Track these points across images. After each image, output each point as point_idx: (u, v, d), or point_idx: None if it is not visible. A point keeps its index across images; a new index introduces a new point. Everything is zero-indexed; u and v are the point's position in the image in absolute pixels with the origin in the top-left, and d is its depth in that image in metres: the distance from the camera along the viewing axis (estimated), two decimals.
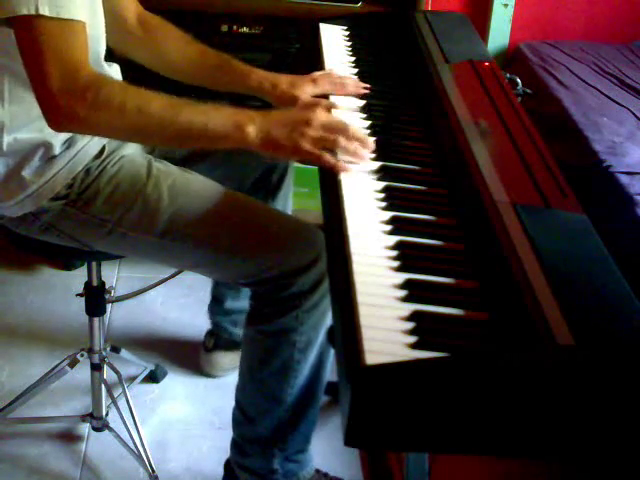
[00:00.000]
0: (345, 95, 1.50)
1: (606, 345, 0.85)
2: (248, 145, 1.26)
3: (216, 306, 1.96)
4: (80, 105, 1.20)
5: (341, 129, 1.26)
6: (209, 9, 2.15)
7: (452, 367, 0.83)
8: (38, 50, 1.19)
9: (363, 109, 1.47)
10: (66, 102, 1.20)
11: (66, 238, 1.45)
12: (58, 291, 2.29)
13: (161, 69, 1.55)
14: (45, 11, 1.18)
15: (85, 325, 1.75)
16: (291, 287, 1.38)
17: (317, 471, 1.64)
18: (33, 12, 1.18)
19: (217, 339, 1.99)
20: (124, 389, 1.80)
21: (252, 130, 1.25)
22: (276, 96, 1.49)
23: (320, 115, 1.27)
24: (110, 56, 1.48)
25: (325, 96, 1.49)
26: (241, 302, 1.89)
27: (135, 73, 1.49)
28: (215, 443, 1.84)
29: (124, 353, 1.89)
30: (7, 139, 1.37)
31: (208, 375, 2.03)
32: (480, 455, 0.91)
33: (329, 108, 1.38)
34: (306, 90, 1.48)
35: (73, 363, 1.81)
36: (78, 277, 2.20)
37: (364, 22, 1.93)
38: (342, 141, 1.25)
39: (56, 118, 1.23)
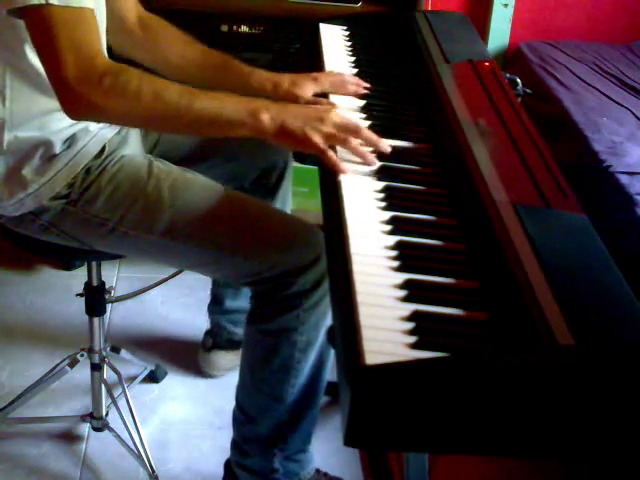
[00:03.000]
0: (346, 94, 1.50)
1: (606, 345, 0.85)
2: (262, 133, 1.26)
3: (216, 305, 1.96)
4: (97, 92, 1.20)
5: (353, 131, 1.27)
6: (209, 9, 2.15)
7: (452, 367, 0.83)
8: (51, 40, 1.20)
9: (363, 109, 1.47)
10: (83, 90, 1.20)
11: (66, 238, 1.45)
12: (58, 291, 2.29)
13: (161, 70, 1.55)
14: (54, 0, 1.18)
15: (85, 325, 1.75)
16: (292, 286, 1.38)
17: (317, 471, 1.64)
18: (43, 1, 1.18)
19: (216, 339, 1.99)
20: (124, 389, 1.80)
21: (267, 118, 1.25)
22: (278, 96, 1.49)
23: (335, 115, 1.28)
24: (109, 56, 1.48)
25: (325, 95, 1.49)
26: (241, 301, 1.90)
27: None
28: (215, 443, 1.84)
29: (124, 353, 1.89)
30: (8, 137, 1.37)
31: (207, 375, 2.03)
32: (480, 455, 0.91)
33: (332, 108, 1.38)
34: (307, 89, 1.48)
35: (73, 363, 1.81)
36: (78, 277, 2.20)
37: (364, 22, 1.93)
38: (352, 141, 1.25)
39: (73, 106, 1.24)
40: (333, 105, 1.42)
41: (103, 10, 1.38)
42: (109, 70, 1.22)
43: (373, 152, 1.28)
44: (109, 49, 1.45)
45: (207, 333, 2.02)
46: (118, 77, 1.22)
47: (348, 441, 0.85)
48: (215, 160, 1.63)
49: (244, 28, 2.18)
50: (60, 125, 1.34)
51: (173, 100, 1.24)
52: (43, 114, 1.35)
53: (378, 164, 1.27)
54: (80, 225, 1.42)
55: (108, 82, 1.21)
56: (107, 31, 1.43)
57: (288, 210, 1.80)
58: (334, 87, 1.51)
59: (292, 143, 1.28)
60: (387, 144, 1.29)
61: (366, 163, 1.26)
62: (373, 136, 1.29)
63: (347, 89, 1.51)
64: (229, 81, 1.53)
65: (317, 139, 1.25)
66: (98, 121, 1.37)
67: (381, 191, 1.20)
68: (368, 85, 1.54)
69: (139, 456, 1.72)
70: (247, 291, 1.49)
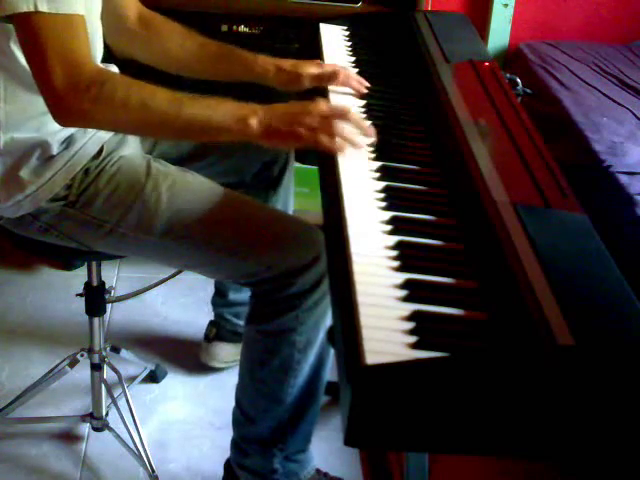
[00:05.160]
0: (347, 86, 1.51)
1: (606, 345, 0.85)
2: (251, 138, 1.27)
3: (219, 298, 1.96)
4: (84, 100, 1.21)
5: (341, 116, 1.27)
6: (209, 9, 2.15)
7: (452, 367, 0.83)
8: (40, 47, 1.20)
9: (363, 109, 1.47)
10: (71, 97, 1.20)
11: (65, 239, 1.45)
12: (58, 291, 2.29)
13: (163, 65, 1.55)
14: (44, 7, 1.18)
15: (85, 325, 1.75)
16: (291, 287, 1.38)
17: (317, 471, 1.64)
18: (32, 9, 1.18)
19: (219, 330, 1.99)
20: (124, 389, 1.80)
21: (255, 122, 1.26)
22: (280, 79, 1.49)
23: (320, 105, 1.28)
24: (109, 56, 1.48)
25: (325, 94, 1.49)
26: (244, 294, 1.89)
27: (133, 75, 1.49)
28: (215, 443, 1.84)
29: (124, 353, 1.89)
30: (4, 138, 1.37)
31: (206, 368, 2.02)
32: (480, 455, 0.91)
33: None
34: (310, 69, 1.48)
35: (73, 363, 1.81)
36: (78, 277, 2.20)
37: (364, 22, 1.93)
38: (337, 127, 1.25)
39: (61, 113, 1.24)
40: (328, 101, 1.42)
41: (96, 15, 1.38)
42: (96, 78, 1.22)
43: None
44: (108, 50, 1.45)
45: (211, 324, 2.02)
46: (105, 84, 1.22)
47: (348, 441, 0.85)
48: (216, 156, 1.63)
49: (244, 28, 2.18)
50: (57, 126, 1.34)
51: (161, 108, 1.25)
52: (39, 115, 1.35)
53: (378, 164, 1.27)
54: (79, 226, 1.42)
55: (96, 89, 1.21)
56: (107, 31, 1.43)
57: (291, 203, 1.80)
58: (336, 73, 1.50)
59: (281, 142, 1.28)
60: (373, 132, 1.30)
61: (354, 146, 1.26)
62: (362, 121, 1.30)
63: (349, 82, 1.51)
64: (232, 69, 1.53)
65: (303, 132, 1.25)
66: (88, 127, 1.37)
67: (381, 191, 1.20)
68: (368, 85, 1.54)
69: (139, 456, 1.72)
70: None
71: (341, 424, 0.86)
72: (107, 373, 1.80)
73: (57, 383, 1.87)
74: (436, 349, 0.88)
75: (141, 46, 1.57)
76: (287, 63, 1.51)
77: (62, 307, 2.22)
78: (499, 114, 1.34)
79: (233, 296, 1.93)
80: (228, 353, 2.00)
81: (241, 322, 1.95)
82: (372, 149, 1.30)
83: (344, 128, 1.26)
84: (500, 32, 2.42)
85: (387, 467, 1.71)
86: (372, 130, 1.30)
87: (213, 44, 1.56)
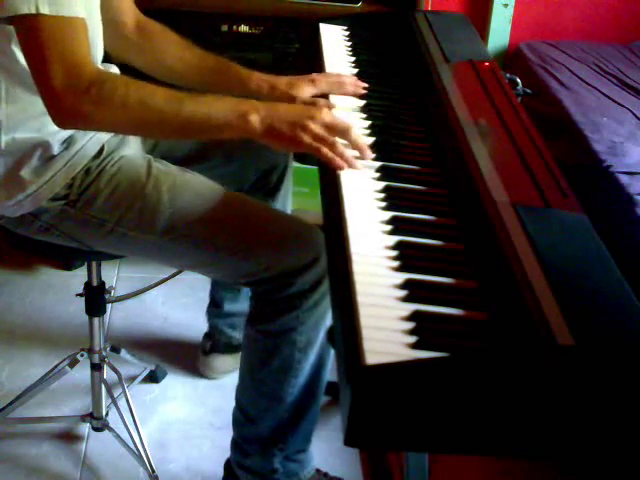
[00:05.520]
0: (343, 95, 1.50)
1: (606, 345, 0.85)
2: (251, 134, 1.26)
3: (214, 309, 1.96)
4: (84, 102, 1.21)
5: (342, 132, 1.27)
6: (209, 9, 2.15)
7: (452, 367, 0.83)
8: (40, 49, 1.20)
9: (363, 109, 1.47)
10: (70, 99, 1.20)
11: (66, 238, 1.45)
12: (58, 291, 2.29)
13: (159, 74, 1.55)
14: (45, 10, 1.18)
15: (85, 325, 1.75)
16: (291, 287, 1.38)
17: (317, 471, 1.64)
18: (33, 11, 1.18)
19: (215, 342, 1.99)
20: (124, 389, 1.80)
21: (255, 119, 1.25)
22: (275, 98, 1.49)
23: (325, 114, 1.27)
24: (108, 60, 1.48)
25: (324, 96, 1.49)
26: (239, 305, 1.89)
27: (133, 75, 1.50)
28: (215, 443, 1.84)
29: (124, 353, 1.89)
30: (5, 139, 1.37)
31: (206, 377, 2.03)
32: (480, 455, 0.91)
33: (328, 108, 1.39)
34: (305, 91, 1.48)
35: (73, 363, 1.81)
36: (78, 277, 2.20)
37: (364, 22, 1.93)
38: (339, 147, 1.25)
39: (61, 116, 1.24)
40: (331, 105, 1.42)
41: (97, 18, 1.38)
42: (96, 79, 1.22)
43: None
44: (107, 54, 1.45)
45: (206, 336, 2.02)
46: (104, 85, 1.22)
47: (348, 441, 0.85)
48: (215, 161, 1.63)
49: (244, 28, 2.18)
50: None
51: (160, 107, 1.24)
52: (40, 115, 1.35)
53: (378, 164, 1.27)
54: (79, 226, 1.42)
55: (95, 91, 1.21)
56: (104, 37, 1.43)
57: (288, 211, 1.80)
58: (331, 88, 1.51)
59: (282, 143, 1.28)
60: (370, 154, 1.28)
61: (350, 167, 1.25)
62: (360, 141, 1.28)
63: (345, 89, 1.51)
64: (227, 84, 1.53)
65: (306, 139, 1.25)
66: (87, 129, 1.37)
67: (381, 191, 1.20)
68: (366, 85, 1.54)
69: (139, 456, 1.72)
70: (246, 294, 1.49)
71: (341, 424, 0.86)
72: (107, 373, 1.80)
73: (57, 383, 1.87)
74: (436, 349, 0.88)
75: (138, 54, 1.57)
76: (282, 82, 1.50)
77: (62, 307, 2.22)
78: (499, 114, 1.34)
79: (228, 307, 1.93)
80: (226, 364, 2.00)
81: (236, 333, 1.95)
82: (372, 149, 1.29)
83: (345, 150, 1.25)
84: (500, 32, 2.42)
85: (387, 467, 1.71)
86: (369, 152, 1.28)
87: (211, 58, 1.56)
